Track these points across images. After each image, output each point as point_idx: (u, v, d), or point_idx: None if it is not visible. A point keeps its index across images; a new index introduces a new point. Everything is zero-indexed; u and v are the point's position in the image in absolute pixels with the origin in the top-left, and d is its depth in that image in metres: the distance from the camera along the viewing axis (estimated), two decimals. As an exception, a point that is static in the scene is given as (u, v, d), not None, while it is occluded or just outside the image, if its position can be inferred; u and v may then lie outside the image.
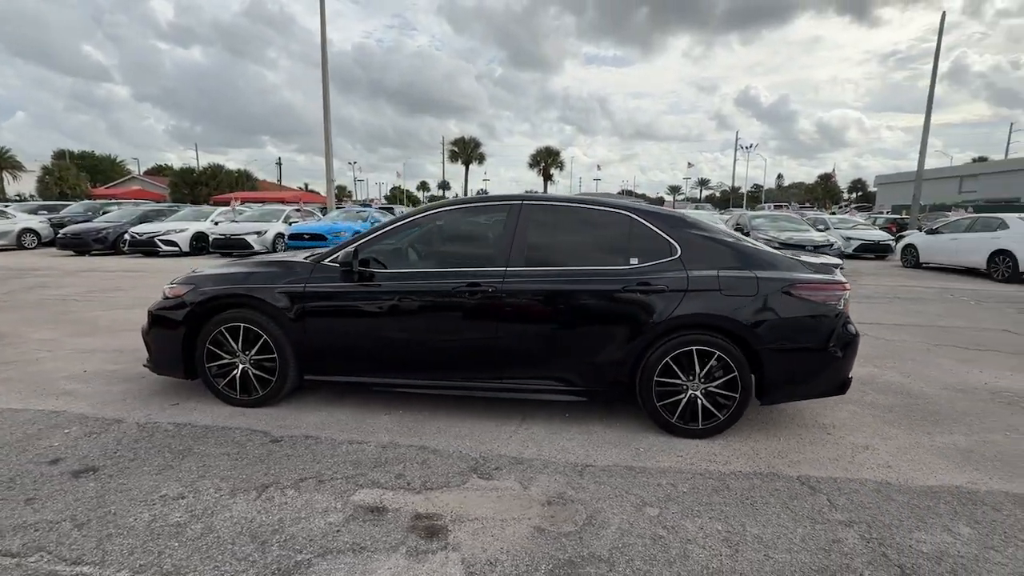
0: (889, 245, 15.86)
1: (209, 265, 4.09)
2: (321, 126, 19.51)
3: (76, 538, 2.14)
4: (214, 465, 2.76)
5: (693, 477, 2.72)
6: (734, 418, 3.15)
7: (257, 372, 3.49)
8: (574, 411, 3.54)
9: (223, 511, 2.34)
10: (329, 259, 3.47)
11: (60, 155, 52.49)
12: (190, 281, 3.62)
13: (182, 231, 14.63)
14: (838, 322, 3.13)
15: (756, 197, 68.93)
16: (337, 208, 20.76)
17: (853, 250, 15.59)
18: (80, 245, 14.69)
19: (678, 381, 3.12)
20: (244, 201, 24.54)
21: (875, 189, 59.03)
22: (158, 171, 58.61)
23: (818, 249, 11.64)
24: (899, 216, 27.65)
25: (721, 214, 21.29)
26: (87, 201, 24.18)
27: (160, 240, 14.27)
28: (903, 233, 17.91)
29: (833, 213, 29.00)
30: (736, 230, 8.49)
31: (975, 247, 11.86)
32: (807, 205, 51.07)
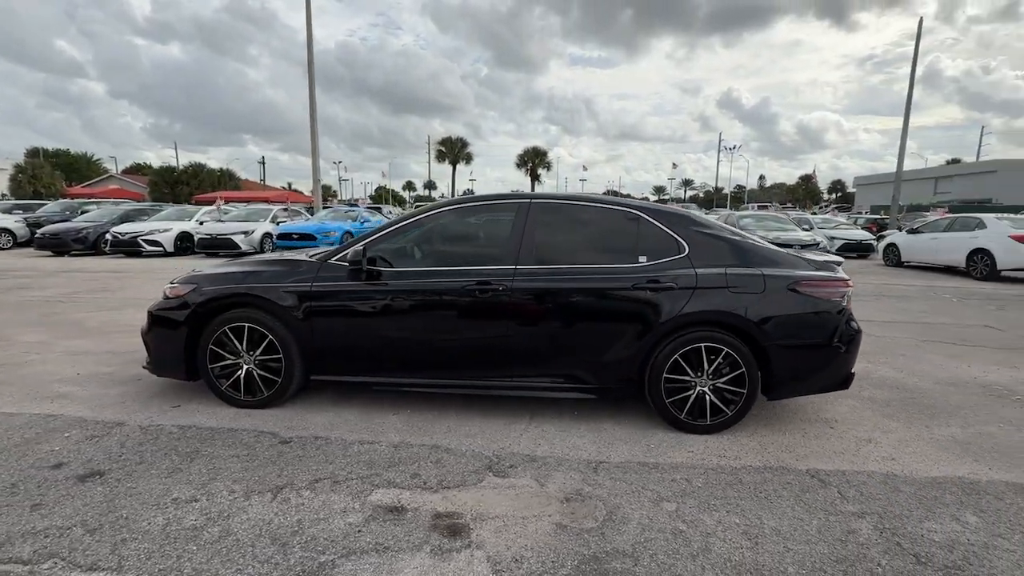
0: (871, 244, 16.22)
1: (208, 265, 4.02)
2: (305, 125, 19.25)
3: (89, 543, 2.08)
4: (224, 467, 2.71)
5: (706, 472, 2.75)
6: (741, 414, 3.20)
7: (262, 373, 3.44)
8: (582, 409, 3.56)
9: (239, 513, 2.30)
10: (336, 258, 3.44)
11: (33, 153, 50.92)
12: (192, 281, 3.56)
13: (166, 231, 14.33)
14: (842, 318, 3.20)
15: (739, 197, 69.95)
16: (324, 207, 20.55)
17: (836, 249, 15.86)
18: (59, 245, 14.29)
19: (687, 378, 3.16)
20: (228, 200, 24.16)
21: (854, 190, 60.37)
22: (137, 170, 57.33)
23: (805, 248, 11.83)
24: (879, 216, 28.33)
25: (707, 214, 21.53)
26: (64, 200, 23.51)
27: (143, 240, 13.95)
28: (884, 233, 18.37)
29: (814, 213, 29.55)
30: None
31: (954, 246, 12.19)
32: (789, 205, 52.00)
